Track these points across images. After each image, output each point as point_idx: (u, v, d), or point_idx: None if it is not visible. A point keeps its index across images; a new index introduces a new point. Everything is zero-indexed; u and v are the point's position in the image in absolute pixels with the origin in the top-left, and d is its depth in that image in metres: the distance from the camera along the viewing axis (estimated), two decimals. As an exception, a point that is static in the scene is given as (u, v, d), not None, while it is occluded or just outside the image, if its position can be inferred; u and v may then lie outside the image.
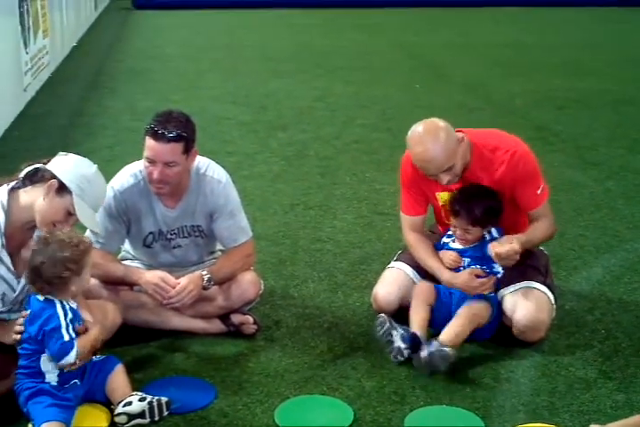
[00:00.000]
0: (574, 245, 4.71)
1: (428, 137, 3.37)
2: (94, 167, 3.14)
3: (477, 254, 3.54)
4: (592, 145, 7.00)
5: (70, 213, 3.01)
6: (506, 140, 3.60)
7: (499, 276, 3.53)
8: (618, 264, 4.48)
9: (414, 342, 3.33)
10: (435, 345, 3.26)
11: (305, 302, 3.98)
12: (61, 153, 3.15)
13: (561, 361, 3.42)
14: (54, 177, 3.01)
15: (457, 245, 3.59)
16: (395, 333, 3.38)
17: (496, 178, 3.51)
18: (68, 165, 3.07)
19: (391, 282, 3.68)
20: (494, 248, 3.41)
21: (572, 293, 4.07)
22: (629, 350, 3.49)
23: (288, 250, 4.63)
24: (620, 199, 5.57)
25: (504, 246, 3.41)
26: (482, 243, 3.54)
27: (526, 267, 3.61)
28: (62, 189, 3.00)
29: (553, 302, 3.58)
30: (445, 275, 3.55)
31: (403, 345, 3.35)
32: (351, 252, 4.61)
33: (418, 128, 3.42)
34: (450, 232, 3.63)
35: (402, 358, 3.35)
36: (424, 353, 3.24)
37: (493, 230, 3.55)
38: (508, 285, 3.58)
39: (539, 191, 3.57)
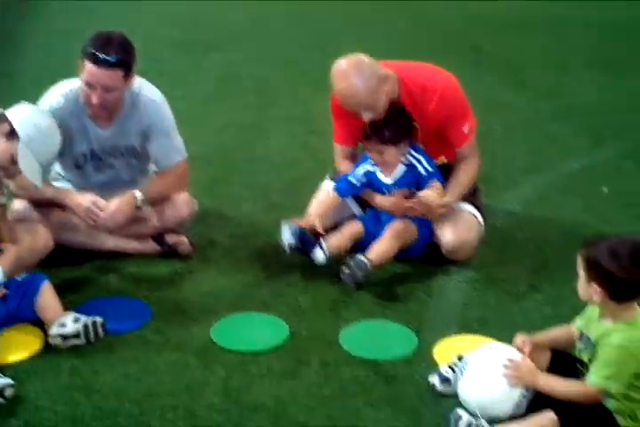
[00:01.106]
0: (505, 165, 4.78)
1: (351, 73, 3.32)
2: (50, 120, 3.09)
3: (409, 183, 3.55)
4: (524, 66, 7.02)
5: (15, 161, 2.94)
6: (435, 77, 3.55)
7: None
8: (546, 184, 4.57)
9: (302, 238, 3.41)
10: (356, 262, 3.31)
11: (240, 221, 3.98)
12: (25, 102, 3.11)
13: (491, 276, 3.52)
14: (7, 120, 2.95)
15: (387, 180, 3.58)
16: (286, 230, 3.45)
17: (425, 115, 3.48)
18: (23, 112, 3.04)
19: (324, 202, 3.69)
20: (428, 197, 3.43)
21: (503, 211, 4.15)
22: (557, 265, 3.59)
23: (222, 170, 4.60)
24: (550, 120, 5.64)
25: (434, 197, 3.45)
26: (408, 172, 3.52)
27: None
28: (12, 133, 2.94)
29: (481, 222, 3.65)
30: (377, 198, 3.58)
31: (292, 240, 3.42)
32: (286, 172, 4.60)
33: (341, 63, 3.36)
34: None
35: (288, 251, 3.45)
36: (346, 269, 3.31)
37: (414, 154, 3.52)
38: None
39: (465, 129, 3.54)
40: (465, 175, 3.60)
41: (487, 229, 3.71)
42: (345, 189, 3.59)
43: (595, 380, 2.44)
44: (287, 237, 3.45)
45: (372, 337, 3.07)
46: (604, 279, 2.40)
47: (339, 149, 3.73)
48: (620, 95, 6.25)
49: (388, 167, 3.54)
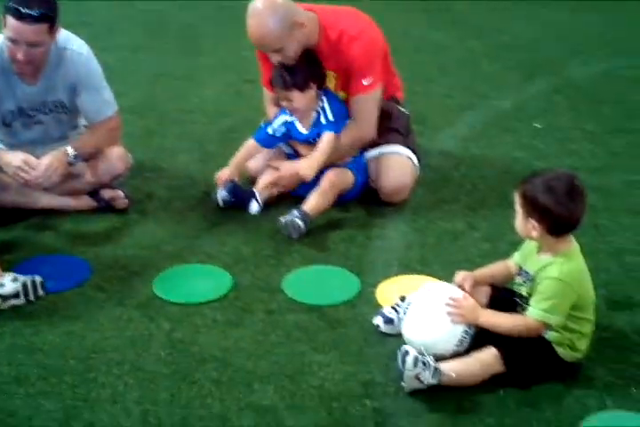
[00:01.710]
0: (439, 104, 4.79)
1: (263, 13, 3.27)
2: None
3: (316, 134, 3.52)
4: (454, 5, 7.00)
5: None
6: (355, 24, 3.48)
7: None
8: (481, 121, 4.60)
9: (235, 193, 3.47)
10: (294, 213, 3.32)
11: (176, 173, 3.94)
12: None
13: (429, 216, 3.55)
14: None
15: (303, 130, 3.55)
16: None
17: (341, 61, 3.44)
18: None
19: (243, 152, 3.65)
20: (300, 171, 3.43)
21: (438, 150, 4.17)
22: (493, 202, 3.63)
23: (155, 122, 4.53)
24: (482, 58, 5.66)
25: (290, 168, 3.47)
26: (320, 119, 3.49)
27: (386, 130, 3.65)
28: None
29: (416, 163, 3.66)
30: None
31: (226, 197, 3.49)
32: (221, 121, 4.55)
33: (257, 2, 3.30)
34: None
35: (220, 204, 3.51)
36: (283, 219, 3.32)
37: (324, 101, 3.47)
38: (369, 148, 3.64)
39: (365, 82, 3.47)
40: (347, 136, 3.53)
41: (423, 170, 3.74)
42: (264, 139, 3.58)
43: (535, 313, 2.49)
44: (221, 193, 3.49)
45: (315, 283, 3.09)
46: (542, 215, 2.43)
47: (266, 94, 3.69)
48: (548, 30, 6.28)
49: (302, 116, 3.51)
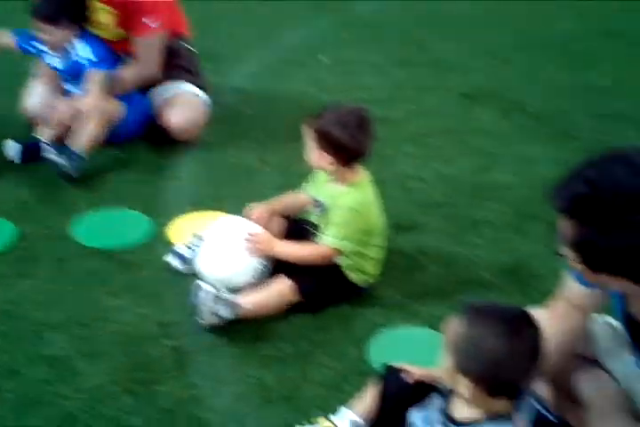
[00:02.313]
0: (229, 41, 4.71)
1: None
2: None
3: (71, 70, 3.41)
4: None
5: None
6: None
7: None
8: (270, 57, 4.57)
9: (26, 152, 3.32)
10: (63, 151, 3.21)
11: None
12: None
13: (221, 152, 3.52)
14: None
15: (56, 63, 3.42)
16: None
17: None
18: None
19: (35, 92, 3.50)
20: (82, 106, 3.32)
21: (229, 87, 4.12)
22: (284, 136, 3.61)
23: None
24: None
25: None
26: (73, 58, 3.38)
27: (173, 68, 3.57)
28: None
29: (206, 101, 3.61)
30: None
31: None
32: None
33: None
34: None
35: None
36: (53, 158, 3.20)
37: (80, 40, 3.35)
38: (154, 86, 3.55)
39: (149, 22, 3.38)
40: (125, 75, 3.45)
41: (215, 108, 3.67)
42: (23, 40, 3.42)
43: (329, 241, 2.53)
44: (11, 153, 3.33)
45: (106, 226, 2.99)
46: (335, 148, 2.45)
47: None
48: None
49: (55, 49, 3.38)
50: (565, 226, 1.55)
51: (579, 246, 1.54)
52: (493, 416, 1.72)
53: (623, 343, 1.97)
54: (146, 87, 3.54)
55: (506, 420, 1.71)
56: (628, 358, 1.95)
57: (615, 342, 2.00)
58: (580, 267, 1.61)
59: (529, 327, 1.68)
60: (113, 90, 3.38)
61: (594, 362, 2.01)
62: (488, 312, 1.69)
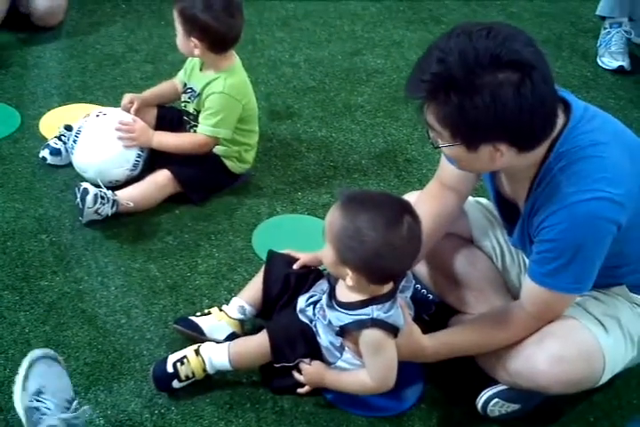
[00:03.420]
0: None
1: None
2: None
3: None
4: None
5: None
6: None
7: None
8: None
9: None
10: None
11: None
12: None
13: (87, 40, 3.38)
14: None
15: None
16: None
17: None
18: None
19: None
20: None
21: None
22: (152, 23, 3.49)
23: None
24: None
25: None
26: None
27: None
28: None
29: None
30: None
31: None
32: None
33: None
34: None
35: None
36: None
37: None
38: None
39: None
40: None
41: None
42: None
43: (204, 129, 2.51)
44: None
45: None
46: (203, 32, 2.39)
47: None
48: None
49: None
50: (432, 111, 1.58)
51: (450, 126, 1.57)
52: (376, 298, 1.80)
53: (494, 221, 2.08)
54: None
55: (387, 300, 1.80)
56: (499, 234, 2.07)
57: (487, 220, 2.10)
58: (454, 151, 1.64)
59: (407, 217, 1.69)
60: None
61: (469, 241, 2.12)
62: (366, 203, 1.70)
